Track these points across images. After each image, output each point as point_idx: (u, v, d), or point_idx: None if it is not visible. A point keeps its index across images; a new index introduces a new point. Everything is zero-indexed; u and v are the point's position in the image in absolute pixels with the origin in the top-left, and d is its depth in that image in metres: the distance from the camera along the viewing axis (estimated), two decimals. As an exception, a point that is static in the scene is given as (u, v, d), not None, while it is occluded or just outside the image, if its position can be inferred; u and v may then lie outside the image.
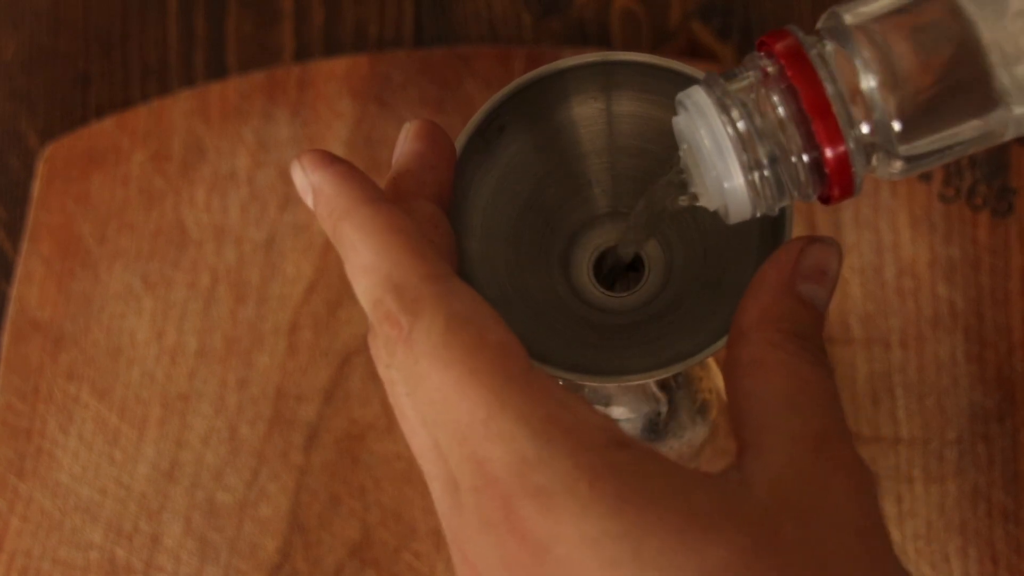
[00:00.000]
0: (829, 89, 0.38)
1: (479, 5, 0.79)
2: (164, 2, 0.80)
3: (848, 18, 0.39)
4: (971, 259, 0.69)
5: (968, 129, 0.39)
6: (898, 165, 0.39)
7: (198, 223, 0.73)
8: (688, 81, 0.45)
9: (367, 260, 0.39)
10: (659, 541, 0.34)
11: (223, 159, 0.74)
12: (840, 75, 0.38)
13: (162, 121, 0.76)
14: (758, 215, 0.41)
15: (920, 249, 0.70)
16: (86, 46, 0.80)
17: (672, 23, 0.78)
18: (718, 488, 0.36)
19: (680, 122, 0.41)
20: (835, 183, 0.39)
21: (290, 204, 0.73)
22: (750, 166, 0.39)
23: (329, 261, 0.72)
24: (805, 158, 0.39)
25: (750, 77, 0.40)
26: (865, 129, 0.39)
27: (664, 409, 0.58)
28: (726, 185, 0.40)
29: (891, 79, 0.38)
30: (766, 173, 0.39)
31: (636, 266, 0.50)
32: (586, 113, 0.49)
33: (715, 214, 0.42)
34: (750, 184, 0.40)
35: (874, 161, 0.39)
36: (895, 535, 0.65)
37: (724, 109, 0.39)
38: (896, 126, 0.38)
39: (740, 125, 0.39)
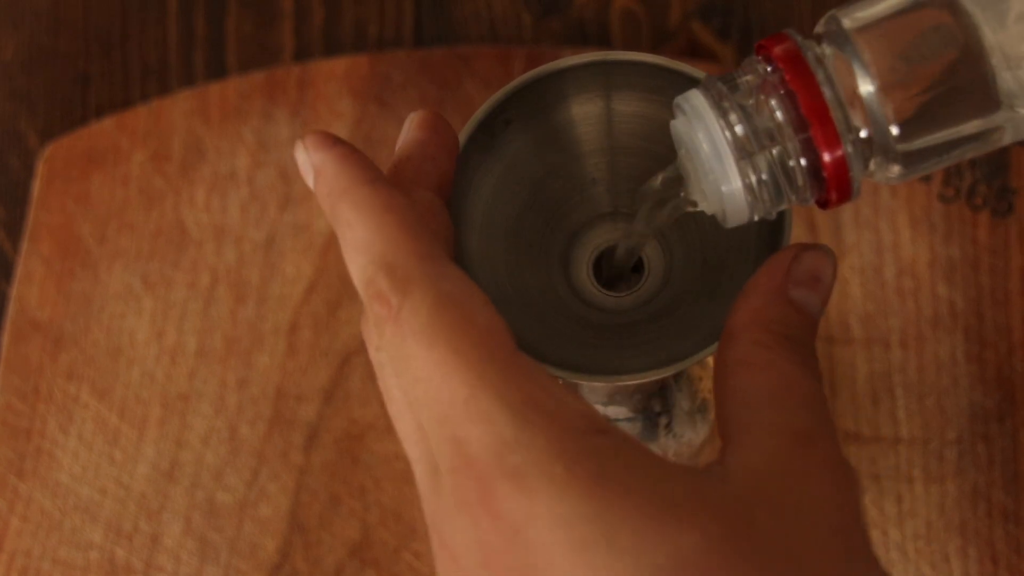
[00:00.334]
0: (827, 93, 0.38)
1: (479, 5, 0.79)
2: (164, 2, 0.80)
3: (847, 22, 0.39)
4: (971, 259, 0.69)
5: (966, 133, 0.39)
6: (896, 170, 0.39)
7: (198, 223, 0.73)
8: (691, 81, 0.45)
9: (362, 238, 0.39)
10: (632, 525, 0.34)
11: (223, 159, 0.74)
12: (838, 79, 0.38)
13: (162, 121, 0.76)
14: (756, 219, 0.41)
15: (920, 249, 0.70)
16: (86, 46, 0.80)
17: (672, 23, 0.78)
18: (695, 478, 0.36)
19: (678, 126, 0.41)
20: (833, 187, 0.39)
21: (290, 204, 0.73)
22: (748, 170, 0.39)
23: (329, 261, 0.72)
24: (803, 162, 0.39)
25: (748, 81, 0.40)
26: (863, 133, 0.39)
27: (664, 409, 0.58)
28: (724, 189, 0.40)
29: (889, 84, 0.38)
30: (764, 177, 0.39)
31: (636, 267, 0.50)
32: (588, 112, 0.49)
33: (715, 217, 0.42)
34: (748, 188, 0.40)
35: (872, 165, 0.39)
36: (895, 535, 0.65)
37: (722, 113, 0.39)
38: (894, 130, 0.38)
39: (738, 129, 0.39)
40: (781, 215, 0.44)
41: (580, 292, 0.51)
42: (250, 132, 0.75)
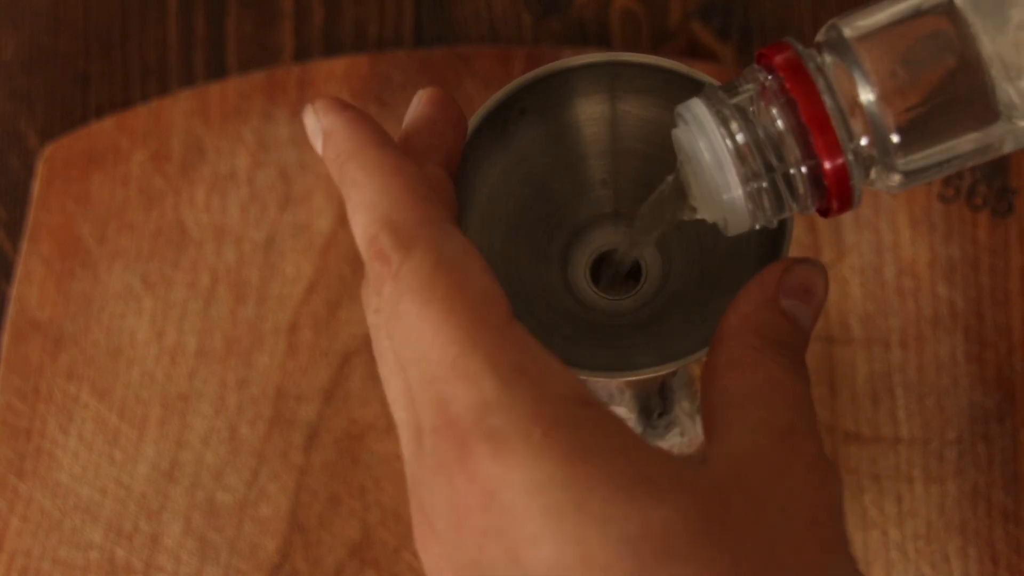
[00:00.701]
0: (828, 102, 0.38)
1: (479, 5, 0.79)
2: (164, 2, 0.80)
3: (847, 31, 0.39)
4: (971, 259, 0.69)
5: (967, 142, 0.39)
6: (896, 178, 0.39)
7: (198, 223, 0.73)
8: (698, 86, 0.45)
9: (368, 198, 0.39)
10: (604, 495, 0.34)
11: (223, 159, 0.74)
12: (839, 88, 0.38)
13: (162, 121, 0.76)
14: (757, 227, 0.41)
15: (920, 249, 0.70)
16: (86, 46, 0.80)
17: (672, 23, 0.78)
18: (674, 460, 0.36)
19: (679, 134, 0.41)
20: (834, 195, 0.39)
21: (290, 204, 0.73)
22: (749, 178, 0.39)
23: (329, 261, 0.72)
24: (804, 170, 0.39)
25: (749, 90, 0.40)
26: (864, 142, 0.39)
27: (664, 409, 0.58)
28: (725, 197, 0.40)
29: (890, 92, 0.38)
30: (765, 185, 0.39)
31: (633, 271, 0.50)
32: (594, 112, 0.49)
33: (716, 225, 0.42)
34: (749, 196, 0.40)
35: (873, 174, 0.39)
36: (895, 535, 0.65)
37: (723, 122, 0.39)
38: (895, 139, 0.38)
39: (739, 138, 0.39)
40: (782, 221, 0.44)
41: (577, 292, 0.51)
42: (250, 132, 0.75)
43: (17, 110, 0.79)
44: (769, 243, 0.45)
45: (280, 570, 0.67)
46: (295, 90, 0.76)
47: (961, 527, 0.65)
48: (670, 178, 0.43)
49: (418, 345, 0.37)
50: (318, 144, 0.43)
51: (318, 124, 0.43)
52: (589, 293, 0.51)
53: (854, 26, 0.39)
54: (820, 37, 0.40)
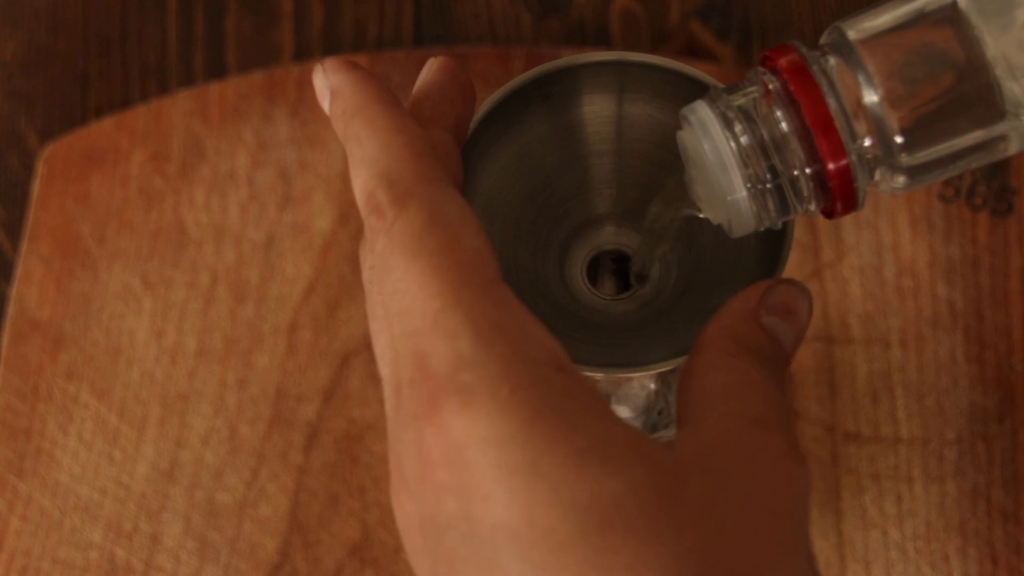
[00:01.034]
0: (832, 104, 0.38)
1: (479, 5, 0.79)
2: (163, 2, 0.80)
3: (851, 33, 0.39)
4: (971, 259, 0.70)
5: (971, 142, 0.39)
6: (901, 179, 0.39)
7: (197, 223, 0.73)
8: (705, 88, 0.45)
9: (369, 153, 0.40)
10: (558, 459, 0.34)
11: (222, 159, 0.74)
12: (843, 90, 0.39)
13: (161, 121, 0.76)
14: (762, 229, 0.41)
15: (920, 249, 0.70)
16: (85, 46, 0.80)
17: (672, 23, 0.78)
18: (640, 437, 0.36)
19: (684, 136, 0.41)
20: (838, 197, 0.39)
21: (290, 204, 0.73)
22: (753, 180, 0.39)
23: (328, 261, 0.72)
24: (808, 172, 0.39)
25: (753, 92, 0.40)
26: (868, 143, 0.39)
27: (664, 408, 0.58)
28: (729, 199, 0.40)
29: (893, 94, 0.38)
30: (769, 187, 0.40)
31: (631, 271, 0.50)
32: (602, 111, 0.49)
33: (713, 225, 0.42)
34: (753, 198, 0.40)
35: (877, 175, 0.40)
36: (895, 535, 0.65)
37: (727, 124, 0.39)
38: (899, 140, 0.38)
39: (743, 140, 0.39)
40: (784, 223, 0.44)
41: (573, 290, 0.51)
42: (250, 132, 0.75)
43: (17, 110, 0.79)
44: (770, 245, 0.45)
45: (280, 570, 0.67)
46: (295, 90, 0.76)
47: (961, 527, 0.65)
48: (671, 179, 0.43)
49: (403, 298, 0.37)
50: (325, 103, 0.43)
51: (326, 82, 0.43)
52: (585, 292, 0.51)
53: (857, 28, 0.39)
54: (824, 39, 0.40)
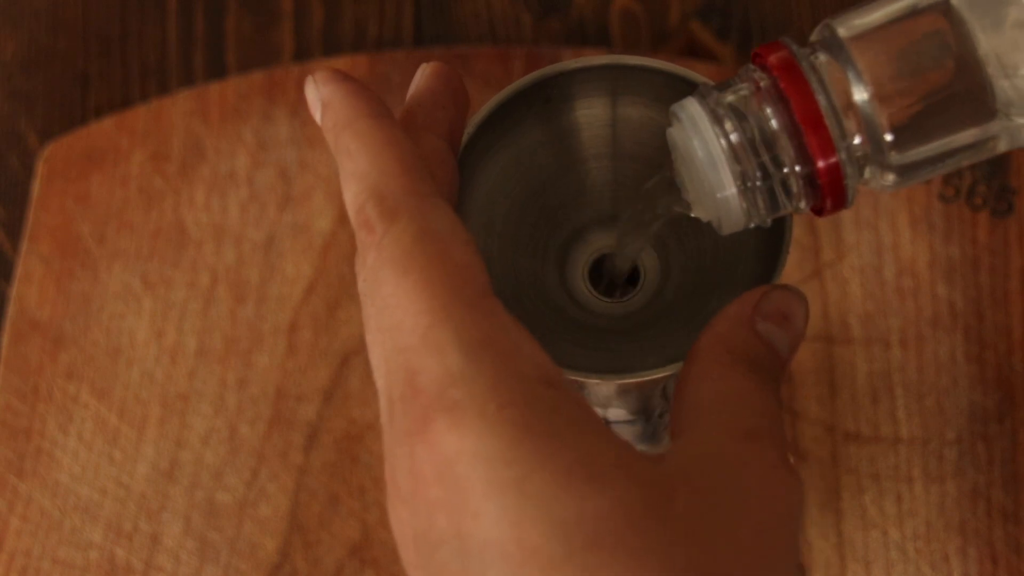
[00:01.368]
0: (821, 101, 0.38)
1: (478, 5, 0.79)
2: (163, 2, 0.80)
3: (842, 31, 0.39)
4: (971, 259, 0.69)
5: (961, 140, 0.39)
6: (891, 177, 0.39)
7: (197, 223, 0.73)
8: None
9: (360, 167, 0.40)
10: (546, 476, 0.34)
11: (222, 159, 0.74)
12: (833, 87, 0.38)
13: (161, 121, 0.76)
14: (751, 226, 0.41)
15: (920, 249, 0.70)
16: (85, 46, 0.80)
17: (671, 23, 0.78)
18: (629, 452, 0.36)
19: (674, 133, 0.41)
20: (827, 194, 0.39)
21: (290, 204, 0.73)
22: (743, 177, 0.39)
23: (328, 261, 0.72)
24: (798, 169, 0.39)
25: (744, 89, 0.40)
26: (857, 140, 0.39)
27: (664, 409, 0.58)
28: (719, 196, 0.40)
29: (884, 91, 0.38)
30: (759, 184, 0.39)
31: (631, 275, 0.50)
32: (597, 115, 0.49)
33: (710, 223, 0.42)
34: (743, 195, 0.40)
35: (867, 173, 0.39)
36: (895, 535, 0.65)
37: (717, 120, 0.39)
38: (888, 137, 0.38)
39: (733, 137, 0.39)
40: (781, 222, 0.44)
41: (573, 293, 0.51)
42: (250, 132, 0.75)
43: (17, 110, 0.79)
44: (769, 246, 0.45)
45: (280, 570, 0.67)
46: (295, 90, 0.76)
47: (961, 527, 0.65)
48: (659, 174, 0.43)
49: (394, 313, 0.37)
50: (317, 115, 0.43)
51: (317, 94, 0.43)
52: (586, 295, 0.51)
53: (848, 25, 0.39)
54: (815, 36, 0.40)
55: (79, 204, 0.74)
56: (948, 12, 0.39)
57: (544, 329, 0.47)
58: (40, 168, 0.75)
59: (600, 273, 0.51)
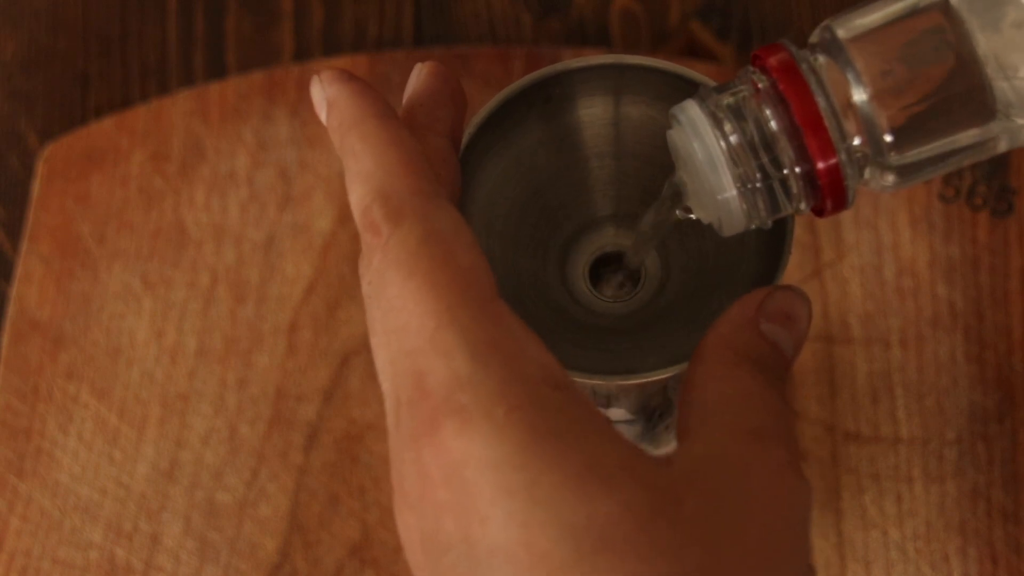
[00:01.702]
0: (821, 102, 0.38)
1: (478, 5, 0.79)
2: (163, 2, 0.80)
3: (841, 32, 0.39)
4: (971, 259, 0.69)
5: (961, 141, 0.39)
6: (891, 178, 0.39)
7: (197, 223, 0.73)
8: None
9: (365, 168, 0.40)
10: (555, 480, 0.34)
11: (222, 159, 0.74)
12: (832, 88, 0.38)
13: (161, 121, 0.76)
14: (752, 228, 0.41)
15: (920, 249, 0.70)
16: (85, 46, 0.80)
17: (672, 23, 0.78)
18: (636, 455, 0.36)
19: (674, 135, 0.41)
20: (828, 195, 0.39)
21: (290, 204, 0.73)
22: (743, 179, 0.39)
23: (328, 261, 0.72)
24: (798, 170, 0.39)
25: (744, 91, 0.40)
26: (857, 141, 0.39)
27: (664, 410, 0.58)
28: (719, 198, 0.40)
29: (883, 92, 0.38)
30: (759, 186, 0.39)
31: (633, 274, 0.50)
32: (599, 114, 0.49)
33: (711, 225, 0.42)
34: (743, 197, 0.40)
35: (867, 173, 0.39)
36: (895, 535, 0.65)
37: (717, 123, 0.39)
38: (888, 138, 0.38)
39: (733, 139, 0.39)
40: (783, 223, 0.44)
41: (574, 292, 0.51)
42: (250, 132, 0.75)
43: (17, 110, 0.79)
44: (771, 246, 0.45)
45: (280, 570, 0.67)
46: (295, 90, 0.76)
47: (961, 527, 0.65)
48: (669, 181, 0.43)
49: (400, 316, 0.37)
50: (323, 115, 0.43)
51: (323, 94, 0.43)
52: (587, 294, 0.51)
53: (848, 26, 0.39)
54: (814, 38, 0.40)
55: (79, 204, 0.74)
56: (947, 12, 0.39)
57: (545, 329, 0.47)
58: (40, 168, 0.75)
59: (601, 273, 0.51)
